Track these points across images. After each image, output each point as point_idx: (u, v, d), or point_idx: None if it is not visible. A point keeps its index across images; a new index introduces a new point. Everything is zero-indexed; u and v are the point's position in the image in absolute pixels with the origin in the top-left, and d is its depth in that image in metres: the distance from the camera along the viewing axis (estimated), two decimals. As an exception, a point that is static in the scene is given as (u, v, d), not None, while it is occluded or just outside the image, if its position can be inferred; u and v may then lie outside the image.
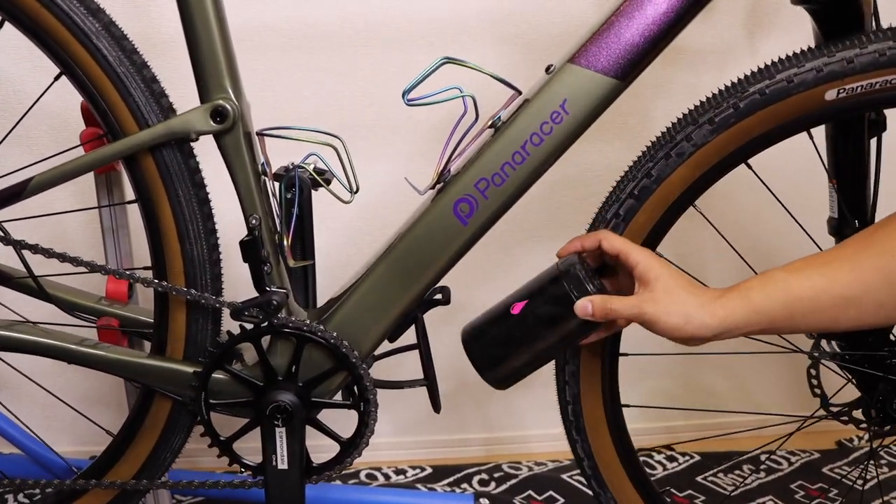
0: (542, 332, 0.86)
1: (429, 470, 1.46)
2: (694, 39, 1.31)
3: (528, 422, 1.52)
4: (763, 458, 1.46)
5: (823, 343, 1.00)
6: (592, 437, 1.00)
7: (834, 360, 0.99)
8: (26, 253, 0.94)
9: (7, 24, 0.90)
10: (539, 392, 1.48)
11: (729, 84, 0.88)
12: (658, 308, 0.81)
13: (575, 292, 0.84)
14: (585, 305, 0.84)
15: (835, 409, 1.00)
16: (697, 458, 1.48)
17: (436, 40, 1.30)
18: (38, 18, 0.86)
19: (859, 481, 1.23)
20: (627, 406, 1.01)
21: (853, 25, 0.87)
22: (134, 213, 1.11)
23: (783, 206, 1.01)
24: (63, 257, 0.92)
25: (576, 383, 0.98)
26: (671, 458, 1.49)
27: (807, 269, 0.80)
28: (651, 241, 0.93)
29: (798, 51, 0.87)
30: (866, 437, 1.49)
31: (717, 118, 0.87)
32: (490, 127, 0.90)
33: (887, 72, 0.83)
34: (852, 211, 0.97)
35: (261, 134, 0.92)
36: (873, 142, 0.96)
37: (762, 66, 0.88)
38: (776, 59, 0.87)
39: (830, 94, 0.85)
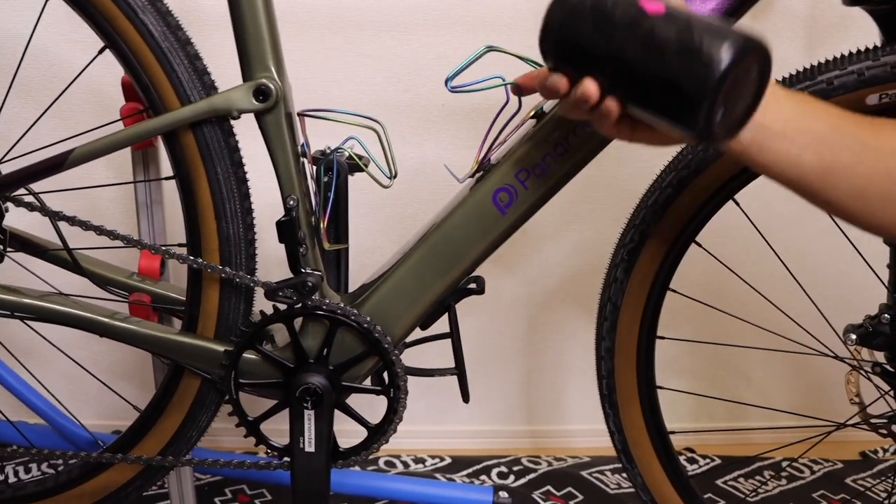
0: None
1: (448, 460, 1.46)
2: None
3: (549, 417, 1.52)
4: (785, 465, 1.45)
5: (866, 352, 0.99)
6: (624, 412, 1.02)
7: (874, 370, 0.98)
8: (62, 225, 0.94)
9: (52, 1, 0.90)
10: (563, 388, 1.48)
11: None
12: None
13: None
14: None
15: (874, 421, 0.99)
16: (718, 461, 1.48)
17: (475, 27, 1.30)
18: (86, -9, 0.86)
19: (884, 494, 1.22)
20: (661, 388, 1.02)
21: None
22: (168, 189, 1.11)
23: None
24: (100, 230, 0.93)
25: (610, 359, 1.01)
26: (692, 461, 1.48)
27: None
28: (689, 231, 0.96)
29: (844, 53, 0.86)
30: (893, 449, 1.48)
31: None
32: (532, 117, 0.90)
33: None
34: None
35: (302, 115, 0.91)
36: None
37: (806, 66, 0.87)
38: (821, 61, 0.86)
39: (872, 99, 0.84)
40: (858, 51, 0.85)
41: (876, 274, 1.00)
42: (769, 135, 0.68)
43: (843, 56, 0.85)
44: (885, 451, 1.50)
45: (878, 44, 0.88)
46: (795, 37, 1.33)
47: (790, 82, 0.87)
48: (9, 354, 1.18)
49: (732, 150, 0.69)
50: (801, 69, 0.87)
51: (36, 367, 1.26)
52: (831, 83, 0.84)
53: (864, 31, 0.90)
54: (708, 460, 1.48)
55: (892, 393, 0.99)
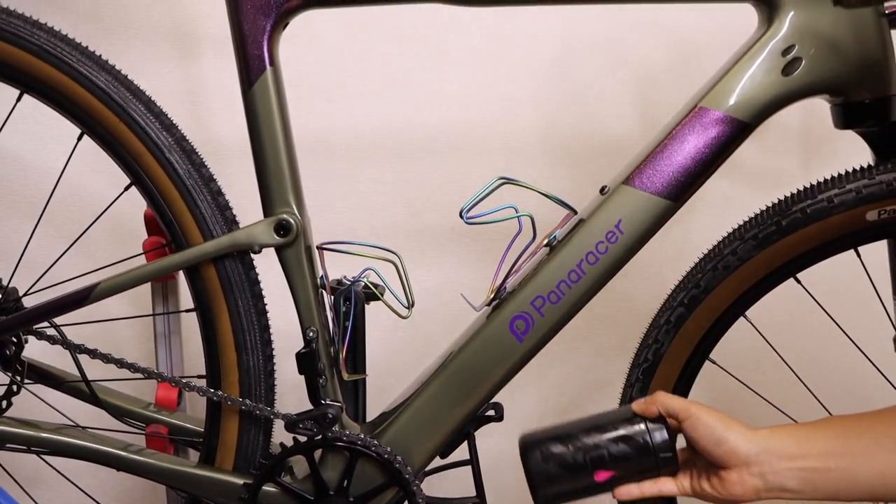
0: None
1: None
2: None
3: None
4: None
5: None
6: None
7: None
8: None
9: (82, 138, 0.94)
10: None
11: (773, 203, 0.91)
12: (703, 409, 0.79)
13: (663, 469, 0.82)
14: (639, 402, 0.83)
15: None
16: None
17: (481, 152, 1.34)
18: (115, 132, 0.90)
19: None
20: None
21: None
22: (186, 320, 1.12)
23: (832, 318, 1.02)
24: (120, 363, 0.94)
25: None
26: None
27: (863, 414, 0.76)
28: (702, 348, 0.96)
29: (842, 172, 0.89)
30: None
31: (761, 234, 0.90)
32: (545, 245, 0.92)
33: None
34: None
35: (321, 248, 0.94)
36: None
37: (807, 185, 0.90)
38: (820, 180, 0.90)
39: (871, 215, 0.87)
40: (854, 170, 0.88)
41: (890, 382, 1.00)
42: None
43: (839, 175, 0.89)
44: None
45: (870, 161, 0.91)
46: (789, 151, 1.37)
47: (790, 202, 0.90)
48: (13, 483, 1.16)
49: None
50: (801, 188, 0.90)
51: (41, 495, 1.25)
52: (832, 201, 0.87)
53: (856, 146, 0.94)
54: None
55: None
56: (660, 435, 0.81)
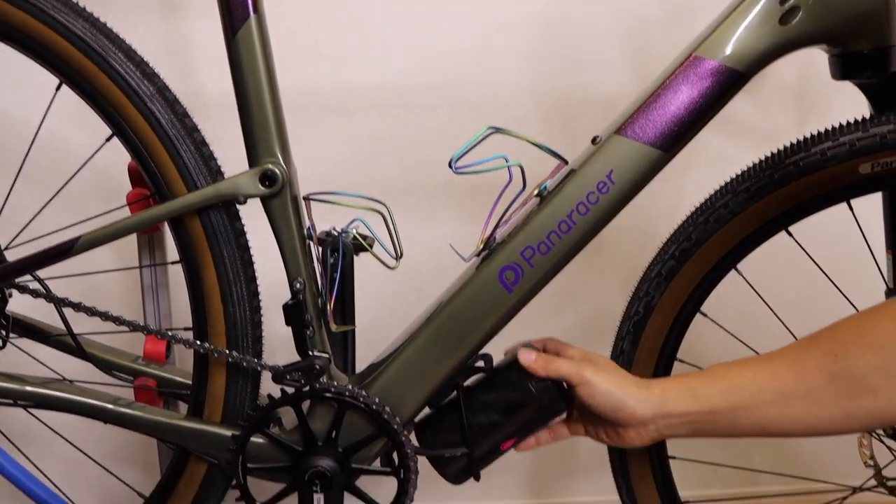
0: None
1: (458, 538, 1.43)
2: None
3: (560, 489, 1.49)
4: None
5: None
6: (637, 484, 1.01)
7: (886, 432, 0.98)
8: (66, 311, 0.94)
9: (61, 88, 0.92)
10: (573, 460, 1.47)
11: (766, 156, 0.91)
12: (597, 373, 0.85)
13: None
14: (530, 355, 0.88)
15: (892, 483, 0.98)
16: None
17: (473, 104, 1.32)
18: (95, 81, 0.88)
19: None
20: (674, 458, 1.02)
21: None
22: (174, 272, 1.11)
23: (823, 272, 1.01)
24: (106, 316, 0.93)
25: None
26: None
27: (749, 362, 0.81)
28: (693, 302, 0.96)
29: (836, 125, 0.88)
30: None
31: (754, 187, 0.90)
32: (536, 196, 0.91)
33: None
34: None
35: (308, 198, 0.92)
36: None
37: (801, 139, 0.89)
38: (814, 133, 0.89)
39: (865, 168, 0.86)
40: (849, 123, 0.87)
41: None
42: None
43: (834, 128, 0.88)
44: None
45: (867, 114, 0.90)
46: (787, 108, 1.35)
47: (784, 155, 0.89)
48: (6, 440, 1.16)
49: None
50: (794, 142, 0.89)
51: (35, 453, 1.25)
52: (825, 154, 0.87)
53: (852, 101, 0.92)
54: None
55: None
56: (550, 395, 0.89)
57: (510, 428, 0.91)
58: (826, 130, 0.88)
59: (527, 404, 0.89)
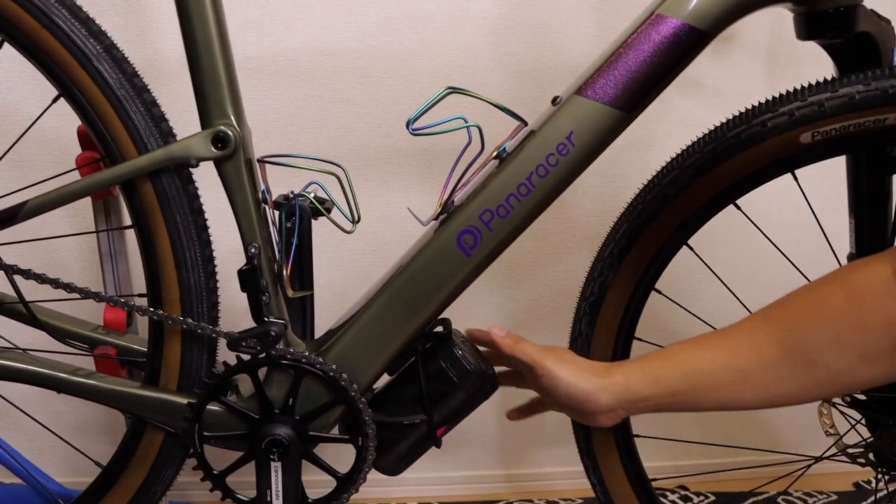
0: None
1: (431, 507, 1.43)
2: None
3: (526, 460, 1.49)
4: (779, 499, 1.44)
5: None
6: (603, 464, 1.00)
7: (844, 400, 0.97)
8: (18, 278, 0.91)
9: (4, 47, 0.89)
10: (550, 431, 1.46)
11: (709, 129, 0.89)
12: (557, 363, 0.86)
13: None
14: (500, 331, 0.90)
15: (851, 451, 0.98)
16: (712, 497, 1.45)
17: (448, 73, 1.30)
18: (38, 39, 0.85)
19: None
20: (638, 436, 1.00)
21: (868, 59, 0.86)
22: (132, 238, 1.09)
23: (774, 244, 1.01)
24: (56, 283, 0.90)
25: None
26: (686, 499, 1.46)
27: (707, 342, 0.82)
28: (647, 280, 0.94)
29: (775, 95, 0.86)
30: (886, 478, 1.47)
31: (698, 162, 0.88)
32: (495, 158, 0.89)
33: (860, 114, 0.82)
34: (871, 248, 0.96)
35: (262, 161, 0.90)
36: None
37: (741, 111, 0.88)
38: (755, 104, 0.87)
39: (805, 138, 0.84)
40: (788, 92, 0.86)
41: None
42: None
43: (773, 98, 0.86)
44: (878, 481, 1.49)
45: (833, 76, 0.88)
46: (755, 71, 1.33)
47: (726, 128, 0.87)
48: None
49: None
50: (735, 114, 0.88)
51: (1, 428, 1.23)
52: (765, 125, 0.85)
53: (822, 65, 0.91)
54: (702, 497, 1.46)
55: (863, 421, 0.98)
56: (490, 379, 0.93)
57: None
58: (766, 101, 0.86)
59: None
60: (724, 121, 0.88)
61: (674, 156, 0.91)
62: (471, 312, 1.37)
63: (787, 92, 0.86)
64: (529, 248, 1.38)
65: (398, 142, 1.31)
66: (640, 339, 0.98)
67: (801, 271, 0.99)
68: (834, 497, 1.46)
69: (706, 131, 0.89)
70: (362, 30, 1.27)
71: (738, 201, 0.91)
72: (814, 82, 0.85)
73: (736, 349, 0.78)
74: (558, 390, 0.86)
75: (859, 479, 1.50)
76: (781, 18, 0.90)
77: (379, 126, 1.31)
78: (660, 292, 0.97)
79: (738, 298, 1.01)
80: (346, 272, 1.36)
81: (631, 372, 0.84)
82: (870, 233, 0.95)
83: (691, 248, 0.95)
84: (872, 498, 1.46)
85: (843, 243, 0.98)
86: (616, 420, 0.86)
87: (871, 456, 0.98)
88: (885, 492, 1.45)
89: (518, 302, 1.42)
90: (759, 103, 0.87)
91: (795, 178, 0.90)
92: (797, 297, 0.78)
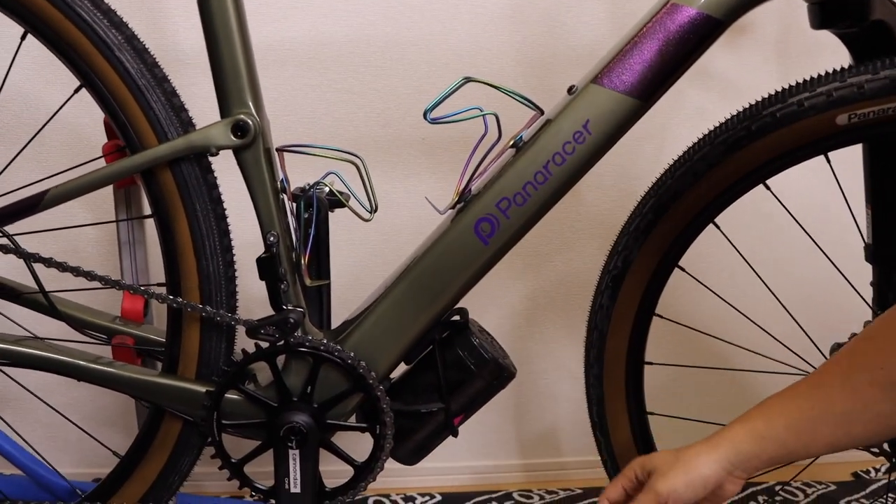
0: None
1: (438, 497, 1.43)
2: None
3: (541, 450, 1.49)
4: (778, 489, 1.44)
5: None
6: (615, 439, 1.01)
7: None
8: (38, 267, 0.92)
9: (26, 38, 0.90)
10: (554, 419, 1.47)
11: (743, 107, 0.89)
12: (667, 478, 0.82)
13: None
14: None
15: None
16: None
17: (451, 61, 1.30)
18: (60, 30, 0.86)
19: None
20: (652, 414, 1.02)
21: (885, 47, 0.87)
22: (151, 228, 1.10)
23: (801, 226, 1.01)
24: (77, 271, 0.91)
25: (600, 386, 1.00)
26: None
27: (800, 392, 0.81)
28: (671, 257, 0.95)
29: (814, 75, 0.87)
30: (884, 468, 1.47)
31: (731, 139, 0.88)
32: (511, 147, 0.90)
33: None
34: (890, 237, 0.96)
35: (281, 150, 0.91)
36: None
37: (778, 90, 0.88)
38: (792, 84, 0.87)
39: (842, 119, 0.85)
40: (827, 73, 0.86)
41: (858, 293, 1.00)
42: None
43: (811, 78, 0.86)
44: (876, 471, 1.49)
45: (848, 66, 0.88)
46: (768, 62, 1.34)
47: (761, 106, 0.88)
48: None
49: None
50: (772, 93, 0.88)
51: (12, 416, 1.24)
52: (802, 105, 0.85)
53: (835, 56, 0.91)
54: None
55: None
56: (507, 368, 0.94)
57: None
58: (804, 81, 0.86)
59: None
60: (758, 99, 0.88)
61: (707, 131, 0.91)
62: (486, 301, 1.38)
63: (826, 72, 0.86)
64: (540, 236, 1.38)
65: (396, 131, 1.32)
66: (660, 316, 0.98)
67: (826, 254, 0.99)
68: (833, 487, 1.46)
69: (737, 111, 0.89)
70: (361, 19, 1.28)
71: (767, 182, 0.91)
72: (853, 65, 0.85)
73: (832, 396, 0.78)
74: (685, 497, 0.82)
75: (858, 469, 1.50)
76: (793, 9, 0.91)
77: (378, 115, 1.31)
78: (683, 269, 0.97)
79: (760, 278, 1.02)
80: (358, 262, 1.36)
81: (734, 435, 0.82)
82: (886, 223, 0.95)
83: (718, 227, 0.95)
84: (871, 487, 1.46)
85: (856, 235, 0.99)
86: (742, 482, 0.83)
87: (885, 446, 0.99)
88: (884, 481, 1.45)
89: (529, 290, 1.42)
90: (797, 83, 0.87)
91: (828, 161, 0.90)
92: (880, 331, 0.78)
